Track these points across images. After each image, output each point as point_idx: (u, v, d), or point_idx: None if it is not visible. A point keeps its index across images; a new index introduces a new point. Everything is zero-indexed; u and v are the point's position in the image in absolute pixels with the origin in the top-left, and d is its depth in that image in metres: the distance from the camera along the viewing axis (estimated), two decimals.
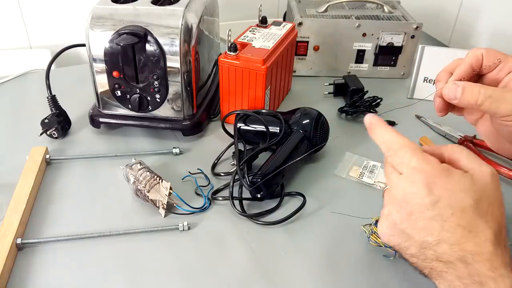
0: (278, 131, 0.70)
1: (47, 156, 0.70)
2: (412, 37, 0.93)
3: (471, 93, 0.45)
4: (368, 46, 0.95)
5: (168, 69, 0.70)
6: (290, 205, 0.64)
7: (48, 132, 0.75)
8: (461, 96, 0.46)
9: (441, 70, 0.53)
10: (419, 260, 0.41)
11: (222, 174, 0.69)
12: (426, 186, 0.38)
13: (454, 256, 0.38)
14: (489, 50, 0.50)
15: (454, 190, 0.38)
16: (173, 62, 0.69)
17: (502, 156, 0.72)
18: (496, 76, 0.50)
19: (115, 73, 0.70)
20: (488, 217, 0.38)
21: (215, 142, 0.77)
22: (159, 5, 0.72)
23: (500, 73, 0.49)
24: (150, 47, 0.68)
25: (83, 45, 0.72)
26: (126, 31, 0.67)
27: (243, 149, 0.70)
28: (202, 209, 0.63)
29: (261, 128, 0.72)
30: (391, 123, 0.82)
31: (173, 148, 0.74)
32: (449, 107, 0.51)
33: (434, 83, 0.88)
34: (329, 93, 0.91)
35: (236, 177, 0.64)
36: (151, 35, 0.68)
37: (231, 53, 0.75)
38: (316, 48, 0.95)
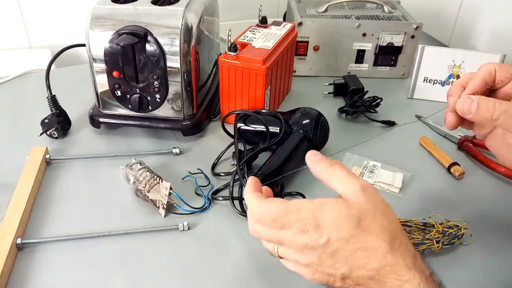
0: (278, 131, 0.70)
1: (47, 156, 0.70)
2: (412, 37, 0.93)
3: (487, 108, 0.45)
4: (368, 46, 0.95)
5: (168, 69, 0.70)
6: None
7: (48, 132, 0.75)
8: (476, 111, 0.46)
9: (453, 85, 0.53)
10: None
11: (222, 174, 0.69)
12: (315, 230, 0.40)
13: (365, 277, 0.40)
14: (502, 65, 0.50)
15: (335, 221, 0.39)
16: (173, 62, 0.69)
17: None
18: (509, 90, 0.50)
19: (115, 73, 0.70)
20: (377, 231, 0.39)
21: (215, 142, 0.77)
22: (159, 5, 0.72)
23: None
24: (150, 47, 0.68)
25: (83, 45, 0.72)
26: (126, 31, 0.67)
27: (243, 149, 0.70)
28: (202, 209, 0.63)
29: (261, 128, 0.72)
30: (391, 123, 0.82)
31: (173, 148, 0.74)
32: (460, 121, 0.51)
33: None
34: (329, 93, 0.91)
35: (236, 177, 0.64)
36: (151, 35, 0.68)
37: (231, 53, 0.75)
38: (316, 48, 0.95)
